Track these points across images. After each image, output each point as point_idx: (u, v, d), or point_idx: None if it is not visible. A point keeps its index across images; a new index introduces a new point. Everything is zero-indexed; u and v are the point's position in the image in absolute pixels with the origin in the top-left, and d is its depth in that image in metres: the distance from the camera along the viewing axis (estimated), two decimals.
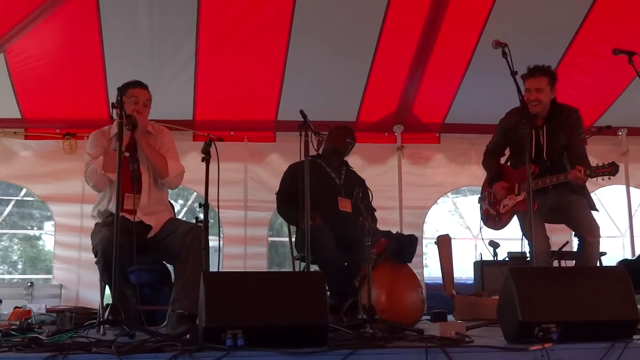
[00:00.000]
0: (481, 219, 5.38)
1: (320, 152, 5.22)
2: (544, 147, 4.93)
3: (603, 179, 4.70)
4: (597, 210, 5.02)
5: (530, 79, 4.82)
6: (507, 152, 5.32)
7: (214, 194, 4.32)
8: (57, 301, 6.71)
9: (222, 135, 6.95)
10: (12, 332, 3.64)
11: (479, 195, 5.45)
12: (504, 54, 4.32)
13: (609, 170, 4.60)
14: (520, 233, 5.06)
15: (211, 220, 4.41)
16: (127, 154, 4.35)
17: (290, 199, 5.16)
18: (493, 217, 5.22)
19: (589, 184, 5.01)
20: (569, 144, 4.94)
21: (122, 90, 4.41)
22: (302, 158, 4.47)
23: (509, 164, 5.27)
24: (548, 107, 4.93)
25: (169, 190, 4.79)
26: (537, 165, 4.83)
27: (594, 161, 4.87)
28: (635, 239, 7.81)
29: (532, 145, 4.84)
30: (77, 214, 7.00)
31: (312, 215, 4.54)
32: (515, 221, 5.12)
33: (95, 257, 4.23)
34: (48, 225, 13.18)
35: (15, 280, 14.25)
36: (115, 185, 4.17)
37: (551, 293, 3.32)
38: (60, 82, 6.76)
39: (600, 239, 4.84)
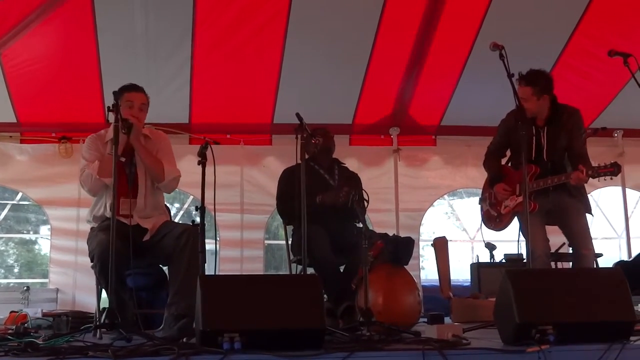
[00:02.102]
0: (482, 220, 5.36)
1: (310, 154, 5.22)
2: (544, 148, 4.93)
3: (605, 179, 4.69)
4: (592, 214, 5.02)
5: (518, 87, 4.80)
6: (508, 153, 5.32)
7: (210, 197, 4.31)
8: (54, 305, 6.70)
9: (218, 138, 6.95)
10: (9, 337, 3.62)
11: (479, 197, 5.45)
12: (501, 56, 4.31)
13: (611, 171, 4.58)
14: (517, 235, 5.05)
15: (207, 224, 4.40)
16: (123, 159, 4.34)
17: (290, 198, 5.14)
18: (494, 218, 5.21)
19: (585, 185, 5.01)
20: (570, 145, 4.93)
21: (118, 94, 4.39)
22: (299, 161, 4.46)
23: (509, 165, 5.27)
24: (548, 109, 4.94)
25: (165, 194, 4.78)
26: (538, 166, 4.84)
27: (592, 162, 4.87)
28: (631, 240, 7.82)
29: (533, 146, 4.85)
30: (73, 218, 6.99)
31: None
32: (512, 223, 5.12)
33: (92, 261, 4.21)
34: (44, 229, 13.16)
35: (11, 284, 14.21)
36: (110, 190, 4.15)
37: (548, 295, 3.32)
38: (56, 86, 6.75)
39: (594, 248, 4.88)
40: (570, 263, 5.40)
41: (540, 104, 4.88)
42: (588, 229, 4.90)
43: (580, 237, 4.84)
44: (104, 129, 4.67)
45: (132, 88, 4.50)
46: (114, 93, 4.35)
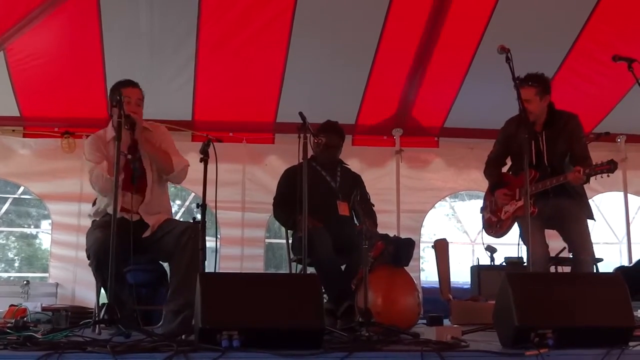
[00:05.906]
0: (483, 227, 5.37)
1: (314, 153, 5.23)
2: (544, 153, 4.93)
3: (602, 177, 4.68)
4: (594, 219, 5.02)
5: (520, 89, 4.80)
6: (509, 161, 5.32)
7: (212, 194, 4.31)
8: (53, 300, 6.70)
9: (221, 136, 6.95)
10: (8, 330, 3.63)
11: (481, 206, 5.45)
12: (507, 59, 4.31)
13: (608, 168, 4.58)
14: (518, 238, 5.05)
15: (208, 221, 4.40)
16: (129, 156, 4.35)
17: (286, 203, 5.15)
18: (495, 224, 5.21)
19: (587, 190, 5.02)
20: (571, 150, 4.94)
21: (115, 90, 4.39)
22: (301, 160, 4.46)
23: (510, 172, 5.27)
24: (545, 113, 4.94)
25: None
26: (538, 171, 4.84)
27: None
28: (632, 245, 7.82)
29: (532, 151, 4.85)
30: (74, 213, 6.99)
31: (311, 221, 4.53)
32: (513, 227, 5.12)
33: (88, 259, 4.21)
34: (45, 224, 13.15)
35: (11, 278, 14.25)
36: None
37: (547, 299, 3.32)
38: (60, 80, 6.76)
39: (594, 254, 4.87)
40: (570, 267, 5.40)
41: (542, 105, 4.89)
42: (588, 234, 4.89)
43: (579, 242, 4.84)
44: (104, 126, 4.66)
45: (129, 84, 4.51)
46: (112, 90, 4.36)
